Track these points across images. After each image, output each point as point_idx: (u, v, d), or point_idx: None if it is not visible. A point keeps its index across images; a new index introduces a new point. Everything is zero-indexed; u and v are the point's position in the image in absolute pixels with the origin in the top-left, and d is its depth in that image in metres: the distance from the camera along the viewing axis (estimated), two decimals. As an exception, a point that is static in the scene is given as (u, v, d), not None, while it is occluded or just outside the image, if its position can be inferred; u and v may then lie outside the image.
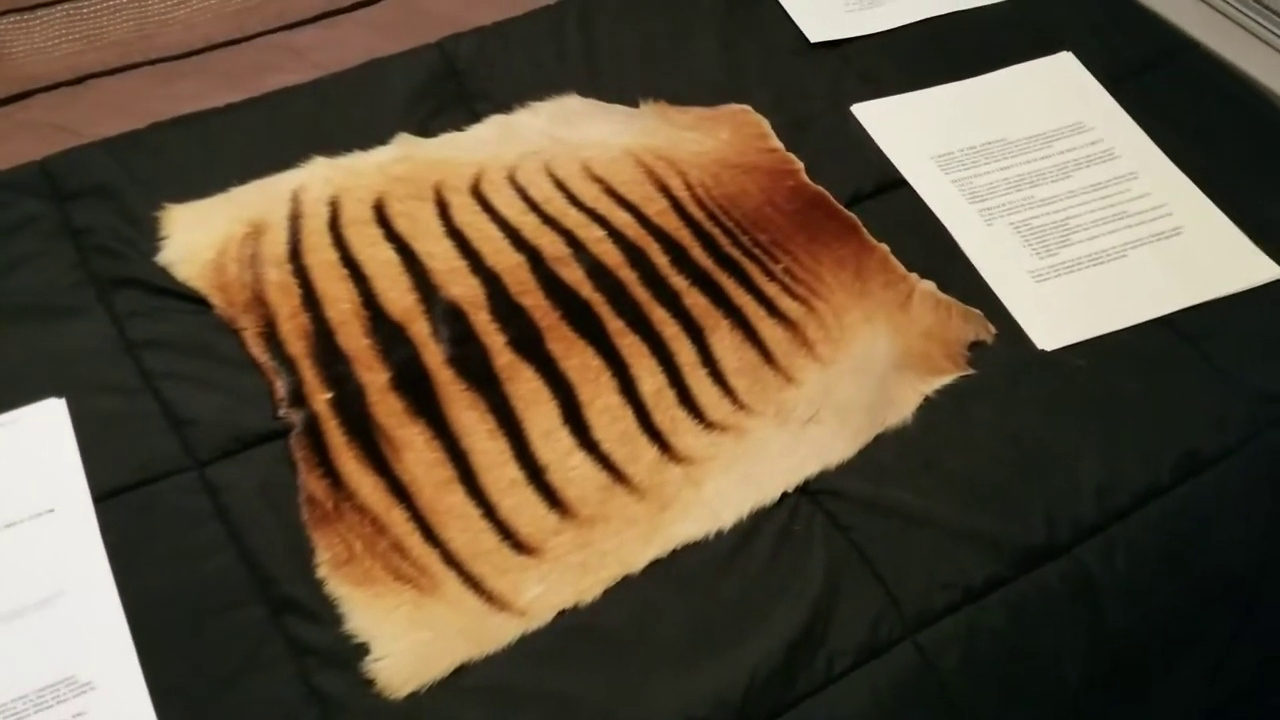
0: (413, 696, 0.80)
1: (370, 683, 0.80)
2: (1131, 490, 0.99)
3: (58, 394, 0.92)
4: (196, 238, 1.03)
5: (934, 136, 1.24)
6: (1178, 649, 0.98)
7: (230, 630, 0.82)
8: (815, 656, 0.87)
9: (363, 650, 0.82)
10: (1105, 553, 0.96)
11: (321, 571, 0.85)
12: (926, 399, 1.02)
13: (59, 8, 1.23)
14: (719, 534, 0.91)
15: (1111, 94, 1.31)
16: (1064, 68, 1.33)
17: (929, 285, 1.10)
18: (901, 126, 1.24)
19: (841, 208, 1.15)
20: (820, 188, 1.17)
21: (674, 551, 0.90)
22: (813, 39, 1.32)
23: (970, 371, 1.04)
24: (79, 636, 0.79)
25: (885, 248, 1.12)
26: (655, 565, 0.89)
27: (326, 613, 0.83)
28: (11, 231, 1.02)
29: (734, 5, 1.35)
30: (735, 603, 0.88)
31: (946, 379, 1.03)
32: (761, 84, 1.26)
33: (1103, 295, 1.12)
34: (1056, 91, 1.30)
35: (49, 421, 0.90)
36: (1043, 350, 1.07)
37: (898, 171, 1.20)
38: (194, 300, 1.00)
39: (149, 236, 1.03)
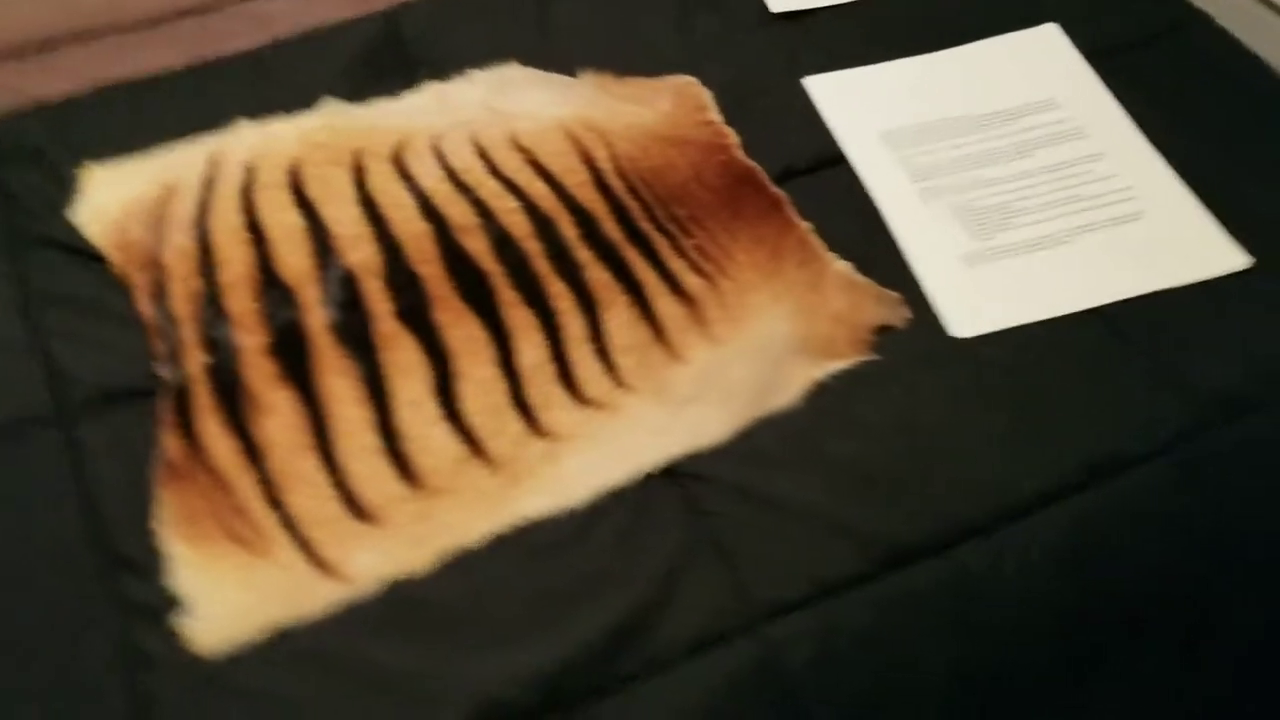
0: (227, 657, 0.81)
1: (186, 641, 0.81)
2: (1032, 491, 0.93)
3: (-59, 343, 0.96)
4: (108, 197, 1.06)
5: (886, 112, 1.18)
6: (1068, 668, 0.91)
7: (60, 581, 0.84)
8: (646, 641, 0.84)
9: (184, 608, 0.83)
10: (993, 556, 0.91)
11: (158, 529, 0.86)
12: (818, 384, 0.97)
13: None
14: (570, 512, 0.89)
15: (1100, 69, 1.23)
16: (1045, 41, 1.26)
17: (845, 266, 1.05)
18: (854, 101, 1.19)
19: (769, 184, 1.11)
20: (752, 163, 1.13)
21: (520, 527, 0.88)
22: (773, 8, 1.27)
23: (873, 357, 0.99)
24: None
25: (807, 226, 1.08)
26: (498, 540, 0.87)
27: (156, 570, 0.84)
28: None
29: (701, -28, 1.31)
30: (572, 581, 0.86)
31: (843, 364, 0.98)
32: (713, 56, 1.22)
33: (1036, 282, 1.05)
34: (1031, 66, 1.23)
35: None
36: (957, 338, 1.01)
37: (839, 147, 1.15)
38: (97, 259, 1.02)
39: (68, 196, 1.06)
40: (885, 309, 1.02)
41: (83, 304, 0.99)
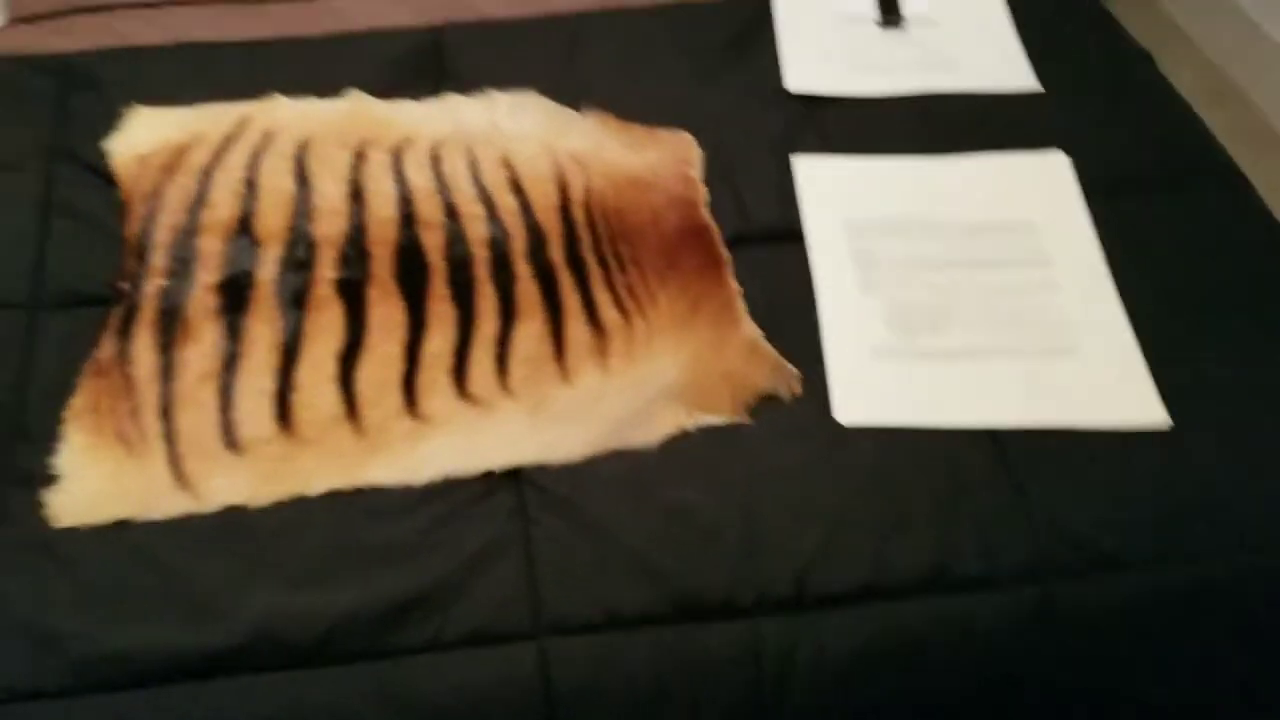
0: (69, 530, 0.92)
1: (44, 509, 0.93)
2: (847, 582, 0.95)
3: (-37, 224, 1.12)
4: (143, 135, 1.21)
5: (859, 202, 1.22)
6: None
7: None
8: (431, 619, 0.91)
9: (55, 484, 0.95)
10: (790, 635, 0.93)
11: (66, 414, 0.99)
12: (683, 432, 1.02)
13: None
14: (409, 487, 0.97)
15: (1099, 204, 1.23)
16: (1047, 167, 1.27)
17: (755, 332, 1.10)
18: (832, 185, 1.24)
19: (718, 243, 1.17)
20: (710, 221, 1.19)
21: (360, 489, 0.97)
22: (790, 88, 1.32)
23: (745, 420, 1.03)
24: None
25: (737, 289, 1.13)
26: (337, 495, 0.96)
27: (48, 447, 0.97)
28: (17, 98, 1.24)
29: (737, 42, 1.37)
30: (385, 548, 0.94)
31: (714, 419, 1.03)
32: (718, 119, 1.28)
33: (938, 390, 1.07)
34: (1021, 187, 1.24)
35: (-54, 244, 1.10)
36: (835, 421, 1.04)
37: (797, 224, 1.19)
38: (113, 183, 1.17)
39: (112, 128, 1.21)
40: (776, 379, 1.06)
41: (86, 217, 1.14)
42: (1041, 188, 1.24)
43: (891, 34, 1.41)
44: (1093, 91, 1.34)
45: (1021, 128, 1.30)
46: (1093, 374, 1.09)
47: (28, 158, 1.18)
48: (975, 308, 1.13)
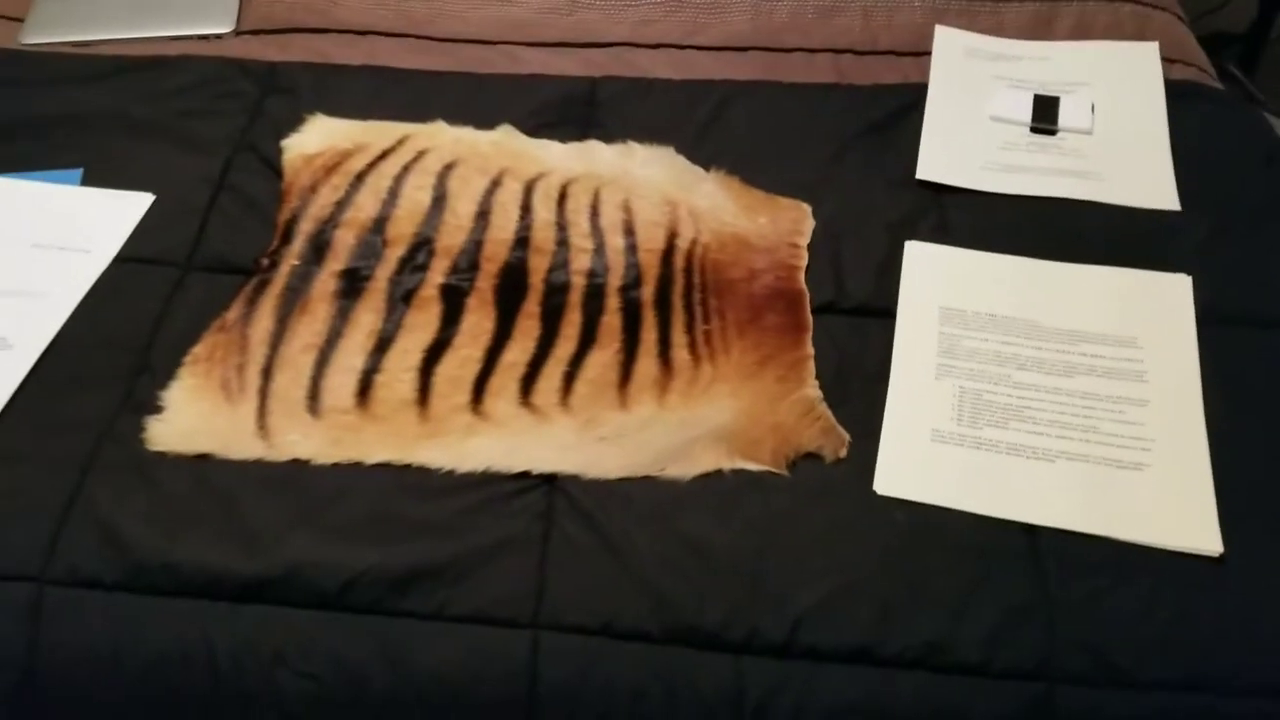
0: (160, 454, 1.05)
1: (145, 432, 1.07)
2: (841, 641, 0.96)
3: (155, 191, 1.29)
4: (314, 139, 1.37)
5: (961, 291, 1.23)
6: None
7: (107, 364, 1.13)
8: (439, 591, 0.98)
9: (160, 414, 1.08)
10: (776, 679, 0.95)
11: (185, 359, 1.13)
12: (720, 471, 1.06)
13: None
14: (451, 472, 1.05)
15: (1211, 334, 1.19)
16: (1167, 286, 1.24)
17: (815, 394, 1.12)
18: (938, 272, 1.25)
19: (806, 310, 1.20)
20: (803, 287, 1.22)
21: (409, 466, 1.05)
22: (919, 174, 1.35)
23: (781, 472, 1.06)
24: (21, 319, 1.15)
25: (810, 354, 1.16)
26: (386, 466, 1.05)
27: (165, 382, 1.11)
28: (224, 95, 1.42)
29: (880, 126, 1.41)
30: (415, 520, 1.02)
31: (752, 466, 1.06)
32: (840, 195, 1.32)
33: (987, 479, 1.07)
34: (1134, 304, 1.22)
35: (133, 204, 1.28)
36: (873, 491, 1.05)
37: (891, 303, 1.21)
38: (279, 175, 1.33)
39: (293, 129, 1.38)
40: (824, 440, 1.09)
41: (249, 200, 1.30)
42: (1156, 307, 1.21)
43: (1041, 140, 1.42)
44: (1236, 217, 1.30)
45: (1151, 245, 1.28)
46: (1156, 493, 1.06)
47: (218, 144, 1.35)
48: (1052, 411, 1.12)
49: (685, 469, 1.06)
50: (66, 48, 1.52)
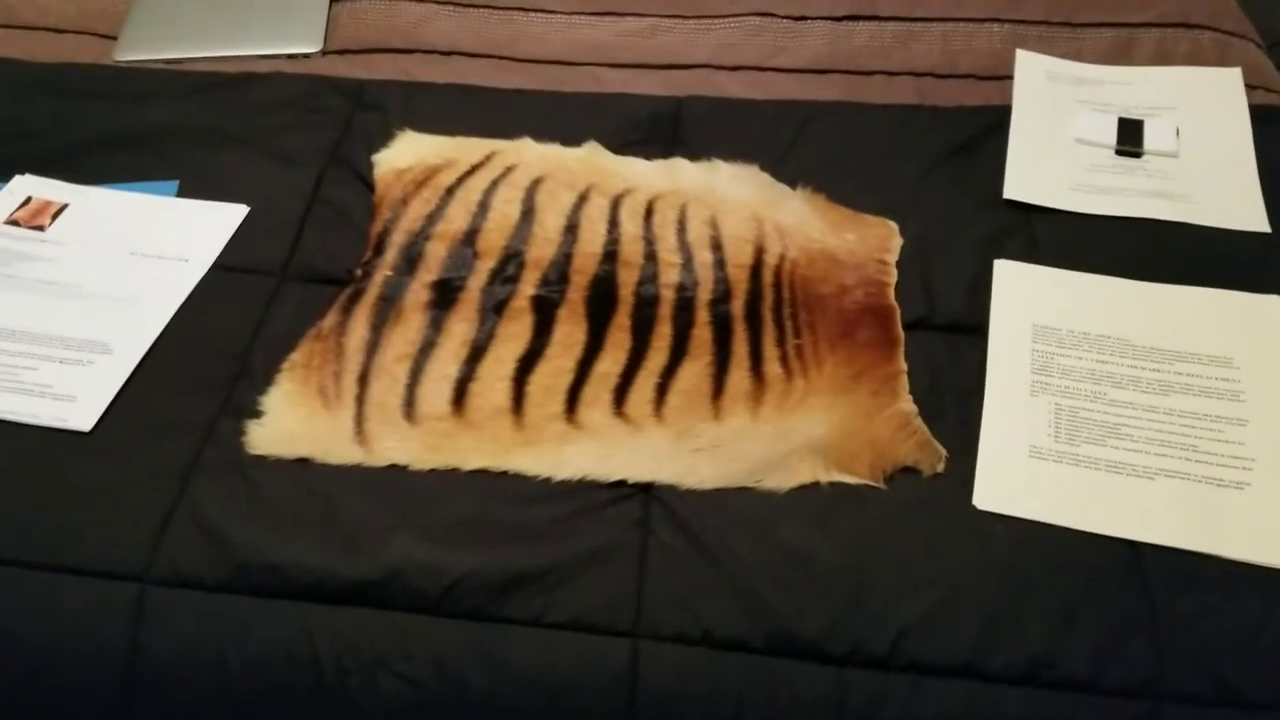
0: (260, 457, 1.06)
1: (245, 436, 1.08)
2: (944, 655, 0.95)
3: (250, 203, 1.31)
4: (405, 153, 1.38)
5: (1053, 309, 1.22)
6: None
7: (207, 368, 1.14)
8: (538, 598, 0.98)
9: (259, 418, 1.09)
10: (878, 692, 0.94)
11: (284, 365, 1.14)
12: (816, 483, 1.06)
13: (473, 10, 1.65)
14: (547, 479, 1.05)
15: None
16: (1261, 308, 1.22)
17: (910, 408, 1.12)
18: (1029, 290, 1.24)
19: (897, 325, 1.20)
20: (893, 303, 1.22)
21: (504, 472, 1.06)
22: (1007, 194, 1.35)
23: (879, 485, 1.06)
24: (121, 324, 1.17)
25: (904, 368, 1.16)
26: (483, 472, 1.06)
27: (264, 387, 1.12)
28: (314, 110, 1.44)
29: (965, 147, 1.41)
30: (513, 525, 1.02)
31: (849, 479, 1.06)
32: (928, 214, 1.32)
33: (1088, 496, 1.05)
34: (1230, 325, 1.21)
35: (229, 215, 1.30)
36: (972, 505, 1.04)
37: (983, 320, 1.21)
38: (371, 188, 1.34)
39: (384, 144, 1.40)
40: (921, 455, 1.08)
41: (342, 212, 1.32)
42: (1250, 328, 1.20)
43: (1126, 162, 1.41)
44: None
45: (1242, 267, 1.27)
46: (1261, 512, 1.04)
47: (311, 158, 1.37)
48: (1150, 429, 1.11)
49: (782, 481, 1.06)
50: (158, 64, 1.55)
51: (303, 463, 1.06)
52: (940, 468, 1.07)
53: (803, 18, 1.61)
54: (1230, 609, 0.97)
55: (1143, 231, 1.32)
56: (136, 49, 1.58)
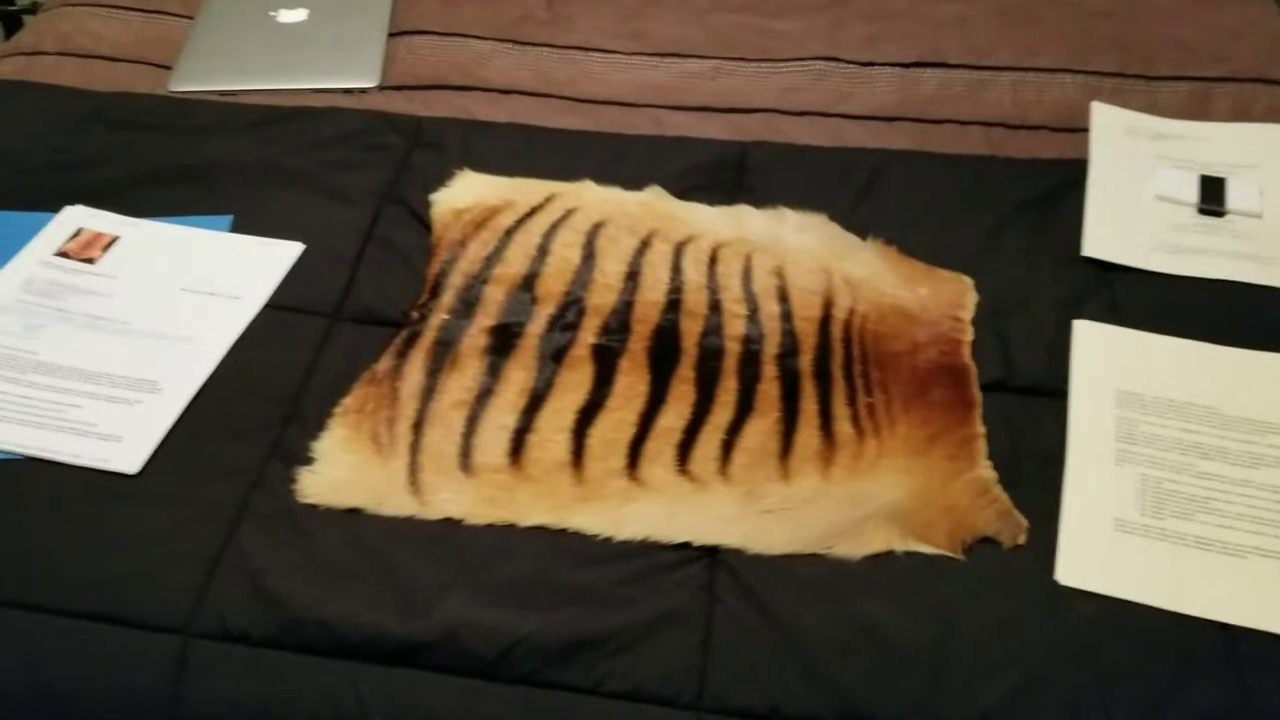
0: (311, 506, 1.02)
1: (296, 484, 1.04)
2: (1033, 743, 0.89)
3: (305, 240, 1.28)
4: (463, 194, 1.35)
5: (1136, 375, 1.17)
6: None
7: (257, 411, 1.10)
8: (599, 666, 0.93)
9: (310, 464, 1.05)
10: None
11: (336, 409, 1.10)
12: (891, 552, 1.00)
13: (532, 49, 1.62)
14: (609, 539, 1.01)
15: None
16: (1353, 379, 1.17)
17: (989, 475, 1.07)
18: (1110, 354, 1.19)
19: (974, 386, 1.15)
20: (969, 363, 1.17)
21: (566, 531, 1.01)
22: (1085, 252, 1.30)
23: (957, 557, 1.00)
24: (171, 362, 1.13)
25: (981, 432, 1.11)
26: (543, 530, 1.01)
27: (314, 433, 1.08)
28: (371, 147, 1.41)
29: (1041, 201, 1.36)
30: (573, 587, 0.97)
31: (926, 549, 1.01)
32: (1003, 270, 1.27)
33: (1177, 574, 1.00)
34: (1322, 395, 1.15)
35: (284, 253, 1.26)
36: (1055, 580, 0.99)
37: (1062, 383, 1.16)
38: (428, 228, 1.31)
39: (441, 183, 1.36)
40: (1002, 525, 1.03)
41: (399, 252, 1.28)
42: (1343, 399, 1.15)
43: (1209, 222, 1.36)
44: None
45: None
46: (1363, 598, 0.98)
47: (367, 195, 1.34)
48: (1241, 504, 1.05)
49: (855, 548, 1.01)
50: (213, 96, 1.53)
51: (354, 513, 1.02)
52: (1021, 539, 1.02)
53: (869, 63, 1.57)
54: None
55: (1228, 295, 1.26)
56: (192, 80, 1.56)
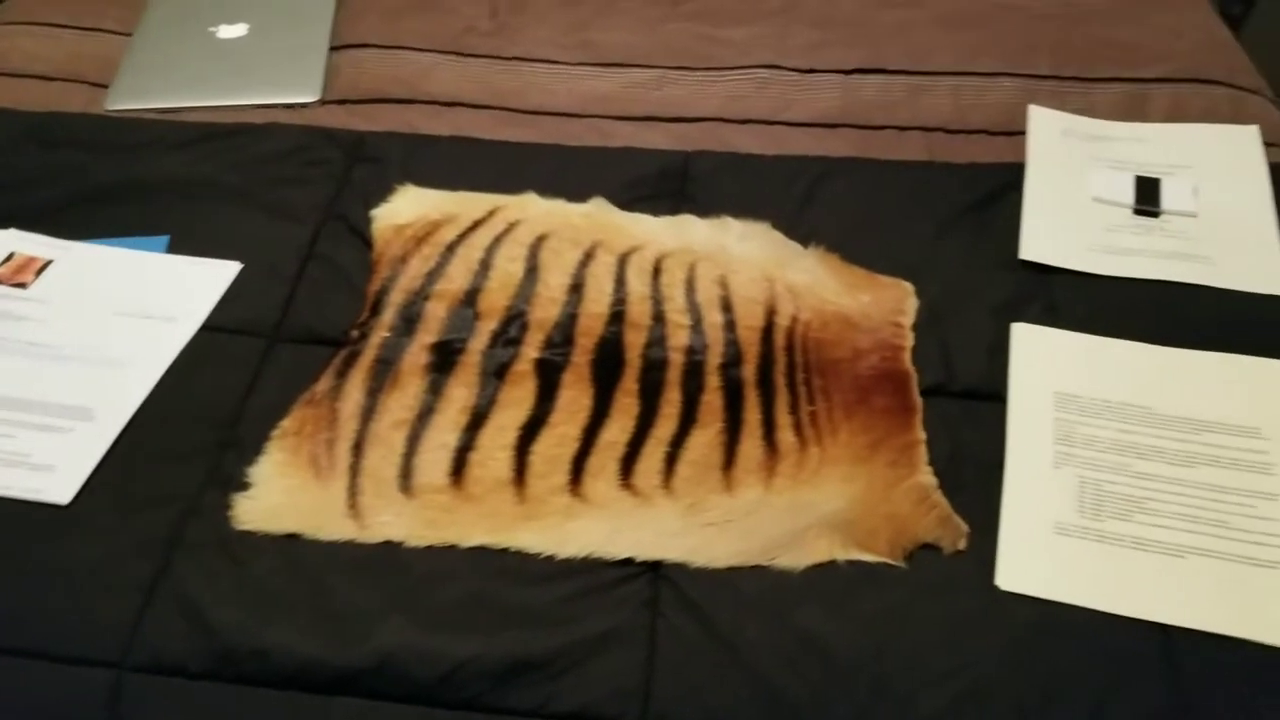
0: (247, 533, 1.01)
1: (231, 510, 1.02)
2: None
3: (243, 259, 1.27)
4: (404, 209, 1.34)
5: (1074, 377, 1.18)
6: None
7: (193, 437, 1.09)
8: (540, 688, 0.92)
9: (247, 491, 1.04)
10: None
11: (274, 433, 1.09)
12: (833, 562, 1.00)
13: (475, 61, 1.62)
14: (551, 557, 1.00)
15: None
16: (1287, 376, 1.18)
17: (929, 481, 1.07)
18: (1048, 356, 1.20)
19: (914, 392, 1.16)
20: (910, 368, 1.18)
21: (507, 550, 1.00)
22: (1023, 255, 1.31)
23: (899, 564, 1.01)
24: (104, 388, 1.12)
25: (922, 438, 1.11)
26: (482, 550, 1.00)
27: (253, 456, 1.07)
28: (312, 163, 1.40)
29: (979, 206, 1.37)
30: (514, 608, 0.96)
31: (868, 557, 1.01)
32: (943, 275, 1.28)
33: (1116, 577, 1.01)
34: (1256, 393, 1.16)
35: (221, 273, 1.25)
36: (995, 586, 0.99)
37: (1001, 386, 1.16)
38: (369, 245, 1.30)
39: (383, 199, 1.35)
40: (942, 531, 1.03)
41: (338, 270, 1.27)
42: (1276, 396, 1.16)
43: (1145, 222, 1.38)
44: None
45: (1267, 331, 1.22)
46: (1296, 594, 0.99)
47: (307, 213, 1.33)
48: (1177, 503, 1.06)
49: (797, 558, 1.01)
50: (150, 114, 1.51)
51: (292, 538, 1.01)
52: (962, 545, 1.02)
53: (811, 70, 1.58)
54: (1267, 698, 0.92)
55: (1165, 294, 1.27)
56: (129, 98, 1.54)
